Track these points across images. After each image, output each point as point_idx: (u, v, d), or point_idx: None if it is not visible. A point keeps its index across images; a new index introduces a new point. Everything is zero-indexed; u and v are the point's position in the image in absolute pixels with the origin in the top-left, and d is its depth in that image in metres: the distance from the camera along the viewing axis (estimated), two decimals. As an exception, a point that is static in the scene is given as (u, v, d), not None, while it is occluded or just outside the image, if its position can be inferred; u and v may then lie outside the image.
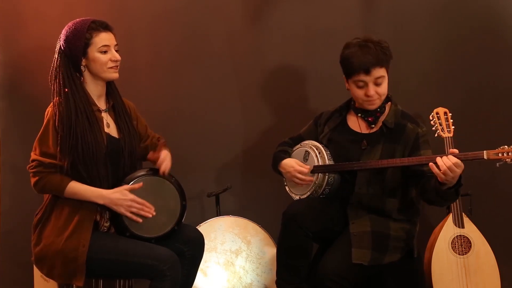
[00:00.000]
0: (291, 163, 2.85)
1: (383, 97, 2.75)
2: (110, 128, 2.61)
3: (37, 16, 3.54)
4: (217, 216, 3.35)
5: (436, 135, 3.11)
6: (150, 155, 2.73)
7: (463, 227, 2.98)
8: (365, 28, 3.58)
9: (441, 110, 3.14)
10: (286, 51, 3.65)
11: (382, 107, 2.78)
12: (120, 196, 2.48)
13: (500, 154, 2.45)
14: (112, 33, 2.60)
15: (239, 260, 3.23)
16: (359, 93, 2.74)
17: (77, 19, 2.59)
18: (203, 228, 3.21)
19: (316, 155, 2.82)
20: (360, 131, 2.81)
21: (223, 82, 3.67)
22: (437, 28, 3.60)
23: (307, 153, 2.88)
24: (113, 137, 2.59)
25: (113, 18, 3.57)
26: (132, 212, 2.49)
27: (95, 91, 2.59)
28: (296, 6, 3.63)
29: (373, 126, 2.79)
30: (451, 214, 3.01)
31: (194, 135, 3.66)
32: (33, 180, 2.49)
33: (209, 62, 3.65)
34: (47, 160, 2.46)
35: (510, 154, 2.44)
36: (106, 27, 2.58)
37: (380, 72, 2.70)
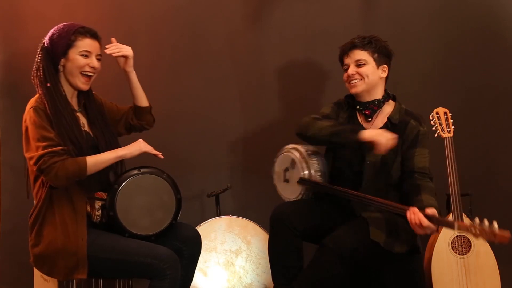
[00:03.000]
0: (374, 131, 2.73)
1: (368, 81, 2.80)
2: (85, 127, 2.64)
3: (36, 16, 3.54)
4: (217, 216, 3.35)
5: (436, 135, 3.11)
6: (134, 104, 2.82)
7: (463, 227, 2.98)
8: (365, 28, 3.58)
9: (441, 110, 3.14)
10: (286, 51, 3.65)
11: (380, 101, 2.83)
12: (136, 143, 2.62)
13: (469, 229, 2.39)
14: (98, 43, 2.63)
15: (239, 260, 3.23)
16: (344, 76, 2.85)
17: (68, 22, 2.63)
18: (203, 228, 3.21)
19: (302, 167, 2.84)
20: (364, 126, 2.84)
21: (223, 82, 3.67)
22: (437, 28, 3.60)
23: (293, 162, 2.89)
24: (89, 133, 2.63)
25: (113, 18, 3.60)
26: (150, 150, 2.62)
27: (69, 92, 2.62)
28: (296, 6, 3.63)
29: (370, 120, 2.83)
30: (451, 214, 3.00)
31: (194, 135, 3.66)
32: (51, 174, 2.42)
33: (209, 62, 3.65)
34: (59, 148, 2.44)
35: (478, 231, 2.36)
36: (93, 35, 2.61)
37: (361, 55, 2.80)
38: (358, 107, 2.86)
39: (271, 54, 3.66)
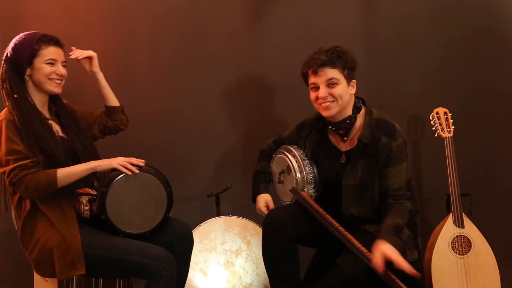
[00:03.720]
0: (260, 206, 2.90)
1: (342, 102, 2.62)
2: (59, 134, 2.64)
3: (36, 16, 3.54)
4: (217, 216, 3.34)
5: (436, 135, 3.11)
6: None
7: (463, 227, 2.98)
8: (365, 28, 3.58)
9: (441, 110, 3.14)
10: (286, 51, 3.65)
11: (351, 118, 2.66)
12: (112, 159, 2.57)
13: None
14: (62, 49, 2.64)
15: (239, 260, 3.23)
16: (312, 96, 2.66)
17: (29, 32, 2.64)
18: (203, 228, 3.21)
19: (294, 169, 2.80)
20: (338, 147, 2.74)
21: (223, 82, 3.67)
22: (437, 28, 3.60)
23: (288, 169, 2.86)
24: (65, 138, 2.64)
25: (113, 18, 3.60)
26: (122, 165, 2.54)
27: (39, 101, 2.62)
28: (296, 6, 3.63)
29: (346, 138, 2.70)
30: (451, 214, 3.01)
31: (194, 135, 3.66)
32: (21, 187, 2.45)
33: (209, 62, 3.65)
34: (28, 161, 2.46)
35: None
36: (56, 43, 2.62)
37: (332, 73, 2.59)
38: (330, 127, 2.71)
39: (271, 54, 3.66)
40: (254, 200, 2.97)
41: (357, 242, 2.51)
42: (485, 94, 3.59)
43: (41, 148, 2.50)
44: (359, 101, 2.71)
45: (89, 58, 2.78)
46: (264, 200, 2.90)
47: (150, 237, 2.57)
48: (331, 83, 2.60)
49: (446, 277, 2.95)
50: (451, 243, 2.98)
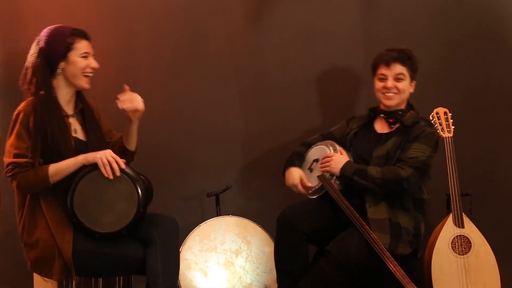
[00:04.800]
0: (294, 178, 2.96)
1: (403, 95, 2.95)
2: (78, 133, 2.65)
3: (36, 16, 3.54)
4: (217, 216, 3.34)
5: (436, 135, 3.11)
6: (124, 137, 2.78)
7: (463, 227, 2.98)
8: (365, 28, 3.58)
9: (441, 110, 3.13)
10: (286, 51, 3.65)
11: (404, 112, 2.97)
12: (101, 152, 2.53)
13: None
14: (90, 42, 2.66)
15: (239, 260, 3.23)
16: (379, 85, 2.97)
17: (58, 25, 2.64)
18: (203, 228, 3.21)
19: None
20: (381, 132, 2.97)
21: (223, 82, 3.67)
22: (437, 29, 3.60)
23: (315, 161, 2.99)
24: (80, 140, 2.63)
25: (113, 18, 3.60)
26: (103, 162, 2.49)
27: (66, 96, 2.63)
28: (296, 6, 3.63)
29: (393, 127, 2.97)
30: (451, 214, 3.00)
31: (194, 135, 3.66)
32: (14, 183, 2.51)
33: (209, 62, 3.65)
34: (23, 160, 2.48)
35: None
36: (86, 36, 2.64)
37: (401, 69, 2.93)
38: (382, 115, 3.00)
39: (271, 54, 3.66)
40: (284, 173, 3.03)
41: (369, 229, 2.69)
42: (485, 94, 3.60)
43: (49, 151, 2.50)
44: (411, 104, 3.05)
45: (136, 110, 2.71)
46: (298, 174, 2.97)
47: (128, 235, 2.54)
48: (398, 78, 2.94)
49: (446, 277, 2.94)
50: (451, 243, 2.98)
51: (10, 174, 2.50)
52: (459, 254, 2.97)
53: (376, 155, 2.92)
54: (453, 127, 3.08)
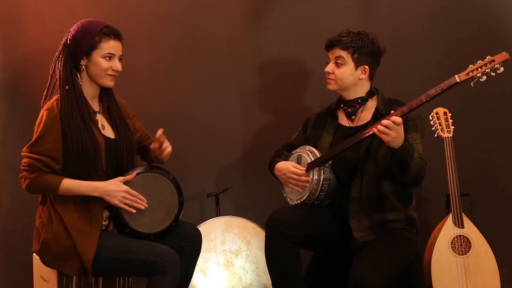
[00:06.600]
0: (285, 165, 2.86)
1: (340, 83, 2.77)
2: (105, 129, 2.61)
3: (36, 17, 3.54)
4: (217, 216, 3.35)
5: (436, 135, 3.11)
6: (153, 145, 2.70)
7: (463, 227, 2.98)
8: (365, 28, 3.57)
9: (441, 110, 3.13)
10: (286, 51, 3.65)
11: (362, 100, 2.79)
12: (114, 188, 2.49)
13: (470, 73, 2.54)
14: (121, 43, 2.59)
15: (239, 260, 3.23)
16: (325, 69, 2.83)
17: (93, 19, 2.58)
18: (203, 228, 3.21)
19: (308, 154, 2.82)
20: (344, 124, 2.84)
21: (223, 83, 3.68)
22: (437, 29, 3.60)
23: (299, 157, 2.88)
24: (109, 138, 2.59)
25: (113, 18, 3.56)
26: (125, 204, 2.49)
27: (90, 92, 2.59)
28: (296, 6, 3.63)
29: (353, 117, 2.82)
30: (450, 214, 3.01)
31: (194, 136, 3.66)
32: (27, 179, 2.46)
33: (209, 62, 3.65)
34: (45, 159, 2.45)
35: (479, 69, 2.54)
36: (117, 36, 2.57)
37: (340, 53, 2.75)
38: (342, 105, 2.84)
39: (271, 54, 3.66)
40: (272, 171, 2.94)
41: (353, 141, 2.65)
42: (485, 94, 3.59)
43: (72, 149, 2.46)
44: (375, 89, 2.84)
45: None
46: (289, 163, 2.85)
47: (156, 241, 2.54)
48: (337, 62, 2.78)
49: (446, 277, 2.94)
50: (451, 243, 2.98)
51: (29, 168, 2.45)
52: (459, 254, 2.97)
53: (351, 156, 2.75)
54: (453, 127, 3.08)
